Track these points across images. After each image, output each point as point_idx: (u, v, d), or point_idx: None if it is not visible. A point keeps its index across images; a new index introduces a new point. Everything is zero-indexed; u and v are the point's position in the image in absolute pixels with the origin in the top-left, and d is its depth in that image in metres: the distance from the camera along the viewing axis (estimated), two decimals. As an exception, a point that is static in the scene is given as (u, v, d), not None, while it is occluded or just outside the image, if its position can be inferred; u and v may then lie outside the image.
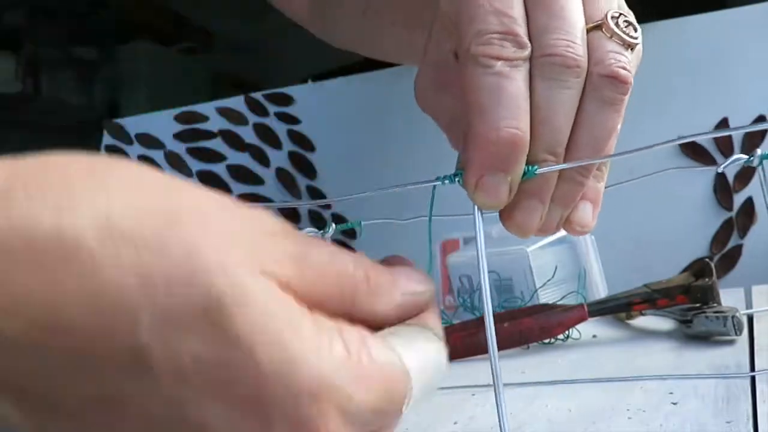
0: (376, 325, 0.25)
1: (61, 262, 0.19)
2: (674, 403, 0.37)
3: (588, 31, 0.32)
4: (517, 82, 0.30)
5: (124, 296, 0.19)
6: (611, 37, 0.31)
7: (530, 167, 0.31)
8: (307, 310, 0.22)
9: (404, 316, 0.26)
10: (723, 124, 1.12)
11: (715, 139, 0.99)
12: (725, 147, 1.05)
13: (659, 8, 1.03)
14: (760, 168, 0.32)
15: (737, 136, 0.99)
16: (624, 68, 0.31)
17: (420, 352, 0.25)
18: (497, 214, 0.33)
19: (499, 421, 0.29)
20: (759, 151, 0.32)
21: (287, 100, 1.17)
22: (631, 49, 0.32)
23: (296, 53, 1.79)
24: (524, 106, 0.30)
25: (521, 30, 0.30)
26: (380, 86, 1.07)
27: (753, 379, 0.40)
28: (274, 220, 0.23)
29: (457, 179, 0.31)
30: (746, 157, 0.32)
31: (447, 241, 0.89)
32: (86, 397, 0.20)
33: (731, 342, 0.50)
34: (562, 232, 0.37)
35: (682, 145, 0.97)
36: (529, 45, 0.31)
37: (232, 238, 0.21)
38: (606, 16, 0.32)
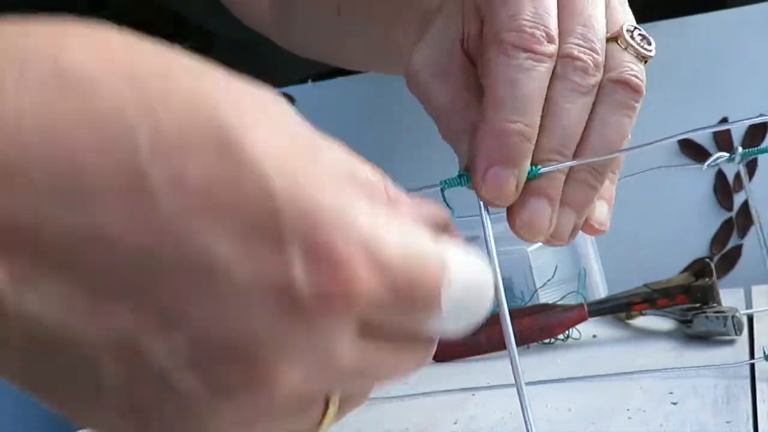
0: None
1: (58, 87, 0.18)
2: (674, 403, 0.37)
3: (606, 41, 0.32)
4: (535, 80, 0.30)
5: (123, 117, 0.18)
6: (626, 49, 0.33)
7: (534, 167, 0.30)
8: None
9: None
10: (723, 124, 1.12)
11: (716, 139, 0.99)
12: (726, 147, 1.05)
13: (659, 8, 1.03)
14: (741, 165, 0.33)
15: (738, 137, 0.99)
16: (636, 77, 0.32)
17: (462, 253, 0.23)
18: (500, 213, 0.32)
19: (524, 415, 0.29)
20: (740, 149, 0.33)
21: (287, 100, 1.17)
22: (645, 62, 0.33)
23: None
24: (538, 104, 0.30)
25: (552, 24, 0.31)
26: (381, 86, 1.07)
27: (753, 379, 0.40)
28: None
29: (462, 180, 0.31)
30: (728, 155, 0.33)
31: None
32: (75, 233, 0.17)
33: (731, 342, 0.50)
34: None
35: (682, 145, 0.97)
36: (557, 41, 0.31)
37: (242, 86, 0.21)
38: (622, 28, 0.33)
